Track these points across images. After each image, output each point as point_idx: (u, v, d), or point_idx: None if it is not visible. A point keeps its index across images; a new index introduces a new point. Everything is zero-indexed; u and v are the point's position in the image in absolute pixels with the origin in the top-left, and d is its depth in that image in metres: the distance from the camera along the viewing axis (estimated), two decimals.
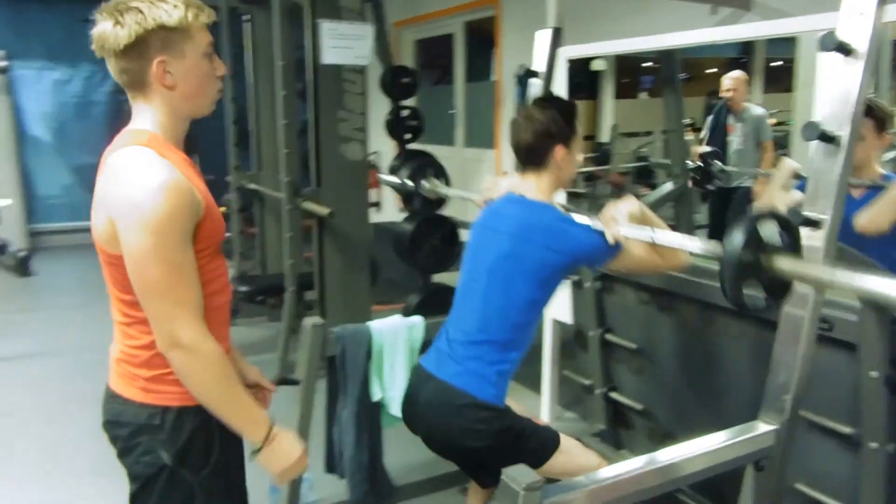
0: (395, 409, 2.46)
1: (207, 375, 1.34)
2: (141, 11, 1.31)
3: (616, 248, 1.88)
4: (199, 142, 7.89)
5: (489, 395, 1.91)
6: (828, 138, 1.63)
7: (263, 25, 4.80)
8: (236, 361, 1.71)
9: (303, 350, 2.35)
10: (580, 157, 2.06)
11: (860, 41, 1.62)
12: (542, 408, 3.51)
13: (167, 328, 1.31)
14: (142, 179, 1.29)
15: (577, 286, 3.03)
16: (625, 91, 6.56)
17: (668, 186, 3.42)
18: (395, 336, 2.46)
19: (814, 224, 1.66)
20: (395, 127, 3.97)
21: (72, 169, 8.08)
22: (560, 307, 3.26)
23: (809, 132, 1.64)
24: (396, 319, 2.51)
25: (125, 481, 1.49)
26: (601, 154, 5.91)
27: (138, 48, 1.32)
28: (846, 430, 2.08)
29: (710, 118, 4.56)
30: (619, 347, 2.93)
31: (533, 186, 2.01)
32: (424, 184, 3.22)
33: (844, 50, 1.62)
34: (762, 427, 1.72)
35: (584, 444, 2.15)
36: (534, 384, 3.56)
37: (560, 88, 3.15)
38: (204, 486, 1.44)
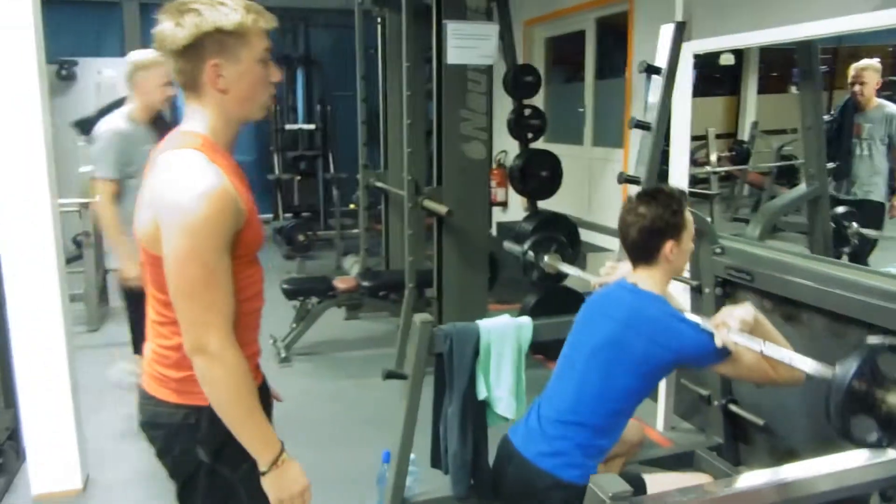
0: (501, 408, 2.45)
1: (226, 385, 1.31)
2: (200, 13, 1.30)
3: (724, 352, 1.83)
4: (335, 140, 8.27)
5: (573, 476, 1.89)
6: None
7: (395, 27, 4.91)
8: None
9: (411, 345, 2.39)
10: (692, 245, 2.02)
11: None
12: (658, 416, 3.38)
13: (195, 332, 1.30)
14: (189, 183, 1.28)
15: (696, 291, 2.89)
16: (773, 85, 6.15)
17: (800, 189, 3.16)
18: (502, 335, 2.44)
19: None
20: (517, 126, 3.96)
21: None
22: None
23: None
24: (505, 319, 2.49)
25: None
26: (739, 153, 5.59)
27: (194, 49, 1.32)
28: None
29: (833, 116, 3.90)
30: None
31: (644, 278, 1.99)
32: (546, 258, 3.21)
33: None
34: (893, 454, 1.56)
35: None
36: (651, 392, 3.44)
37: (685, 85, 3.02)
38: (244, 481, 1.43)
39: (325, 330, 4.49)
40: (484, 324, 2.46)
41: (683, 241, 1.97)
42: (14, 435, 2.80)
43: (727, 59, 3.33)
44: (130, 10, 8.01)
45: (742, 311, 1.81)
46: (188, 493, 1.48)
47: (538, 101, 6.08)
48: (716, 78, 5.85)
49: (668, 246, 1.94)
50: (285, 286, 4.29)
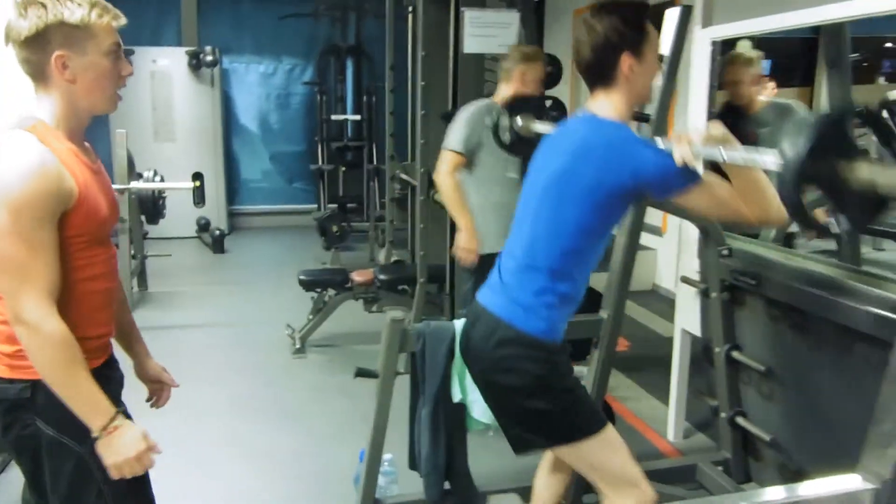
0: (477, 412, 2.36)
1: (46, 354, 1.35)
2: (44, 6, 1.37)
3: (690, 178, 1.60)
4: (380, 131, 8.25)
5: (535, 329, 1.72)
6: None
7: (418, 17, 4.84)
8: (138, 354, 1.78)
9: (382, 343, 2.31)
10: (656, 65, 1.77)
11: None
12: (668, 423, 3.21)
13: (13, 303, 1.35)
14: (12, 161, 1.35)
15: (704, 295, 2.71)
16: (858, 76, 5.75)
17: None
18: None
19: None
20: (537, 116, 3.80)
21: (271, 156, 8.76)
22: (690, 317, 2.95)
23: None
24: None
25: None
26: None
27: (38, 41, 1.38)
28: None
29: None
30: (747, 368, 2.57)
31: (602, 105, 1.76)
32: (518, 121, 2.78)
33: None
34: (859, 483, 1.40)
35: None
36: (666, 396, 3.27)
37: (701, 75, 2.83)
38: (93, 454, 1.42)
39: (342, 322, 4.46)
40: (461, 323, 2.36)
41: (646, 58, 1.73)
42: None
43: (745, 48, 3.04)
44: (189, 3, 8.18)
45: (712, 128, 1.61)
46: (37, 476, 1.49)
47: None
48: (788, 66, 5.52)
49: (626, 62, 1.70)
50: (302, 277, 4.28)
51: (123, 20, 1.48)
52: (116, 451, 1.41)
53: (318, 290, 4.30)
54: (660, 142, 1.66)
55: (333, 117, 8.06)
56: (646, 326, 5.00)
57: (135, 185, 5.01)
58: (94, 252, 1.49)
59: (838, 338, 2.16)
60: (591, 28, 1.70)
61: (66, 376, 1.38)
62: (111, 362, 1.62)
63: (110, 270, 1.56)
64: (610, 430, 1.81)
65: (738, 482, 2.69)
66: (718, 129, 1.59)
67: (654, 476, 2.65)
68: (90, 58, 1.41)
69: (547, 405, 1.74)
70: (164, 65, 7.72)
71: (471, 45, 3.63)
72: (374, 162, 7.77)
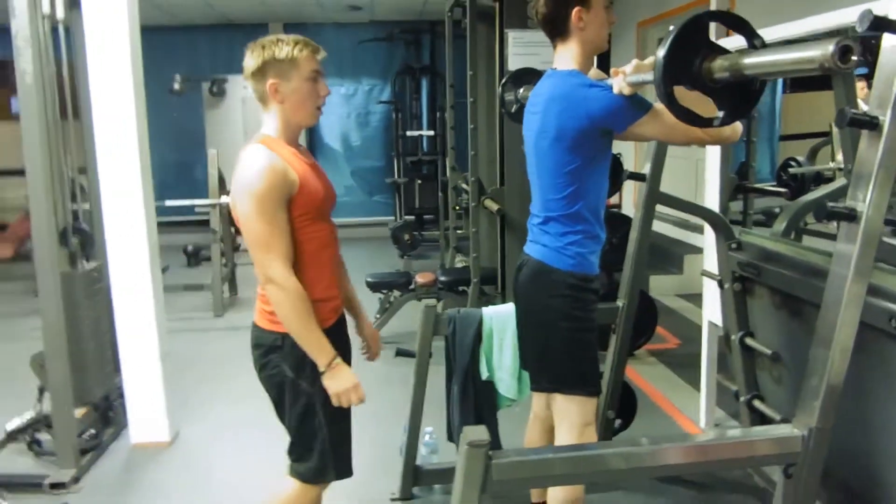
0: (503, 388, 2.66)
1: (288, 305, 1.78)
2: (263, 47, 1.84)
3: (641, 108, 1.80)
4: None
5: (567, 265, 2.00)
6: (864, 124, 1.50)
7: (480, 37, 5.19)
8: (358, 315, 2.24)
9: (419, 327, 2.66)
10: (605, 16, 1.98)
11: None
12: (700, 409, 3.39)
13: (262, 268, 1.80)
14: (251, 164, 1.79)
15: (719, 286, 2.91)
16: None
17: (835, 184, 2.96)
18: (505, 322, 2.64)
19: (850, 217, 1.54)
20: None
21: (352, 171, 9.32)
22: (715, 309, 3.15)
23: (840, 118, 1.53)
24: (508, 307, 2.68)
25: None
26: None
27: (260, 74, 1.84)
28: None
29: None
30: (761, 353, 2.76)
31: (563, 57, 2.00)
32: (521, 91, 2.88)
33: (891, 27, 1.48)
34: (790, 431, 1.63)
35: None
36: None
37: None
38: (319, 394, 1.87)
39: (407, 321, 4.83)
40: (487, 310, 2.68)
41: (593, 7, 1.94)
42: (123, 395, 3.37)
43: None
44: (276, 29, 8.86)
45: (646, 60, 1.77)
46: (280, 408, 1.96)
47: None
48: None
49: (576, 13, 1.92)
50: (368, 279, 4.69)
51: (323, 53, 1.92)
52: (337, 383, 1.84)
53: (385, 291, 4.69)
54: (609, 81, 1.87)
55: (409, 133, 8.52)
56: (698, 325, 5.13)
57: (224, 199, 5.55)
58: (318, 226, 1.91)
59: None
60: None
61: (301, 323, 1.80)
62: (341, 324, 2.04)
63: (332, 241, 2.00)
64: (595, 403, 2.10)
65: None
66: (649, 59, 1.77)
67: None
68: (295, 83, 1.84)
69: (565, 341, 2.03)
70: None
71: (515, 63, 3.95)
72: (447, 175, 8.17)
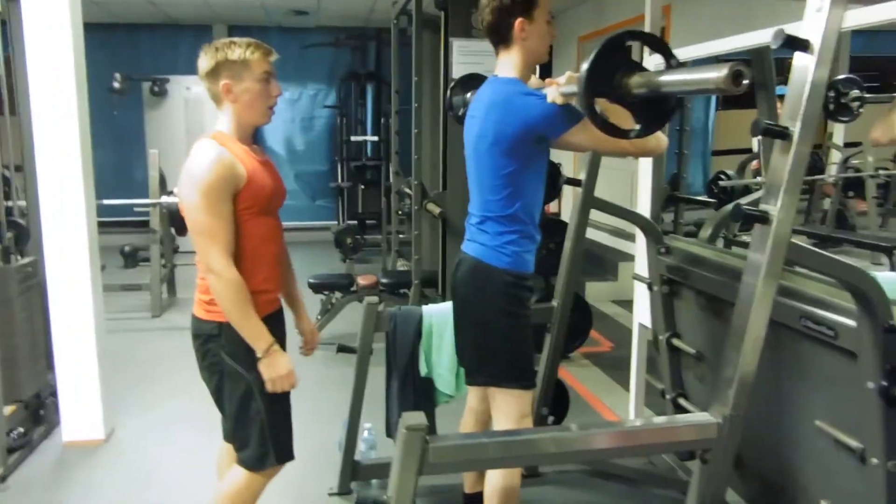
0: (441, 384, 2.73)
1: (228, 294, 1.86)
2: (217, 49, 1.93)
3: (572, 118, 1.90)
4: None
5: (503, 263, 2.08)
6: (776, 133, 1.63)
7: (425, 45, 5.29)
8: (298, 311, 2.31)
9: (361, 324, 2.72)
10: (547, 28, 2.07)
11: (816, 37, 1.61)
12: (629, 408, 3.53)
13: (204, 258, 1.87)
14: (200, 156, 1.87)
15: (648, 289, 3.05)
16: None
17: (756, 195, 3.16)
18: (444, 319, 2.71)
19: (763, 220, 1.66)
20: None
21: (296, 175, 9.28)
22: (645, 311, 3.29)
23: (755, 128, 1.66)
24: (448, 305, 2.76)
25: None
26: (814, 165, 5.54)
27: (213, 74, 1.92)
28: (855, 444, 1.96)
29: None
30: (686, 353, 2.91)
31: (504, 65, 2.09)
32: (468, 96, 2.97)
33: (800, 45, 1.62)
34: (707, 418, 1.74)
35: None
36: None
37: None
38: (256, 381, 1.94)
39: (348, 322, 4.87)
40: (427, 308, 2.76)
41: (535, 20, 2.03)
42: (55, 392, 3.31)
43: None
44: (220, 31, 8.78)
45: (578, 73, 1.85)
46: (220, 396, 2.03)
47: None
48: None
49: (518, 23, 2.01)
50: (311, 280, 4.71)
51: (275, 55, 1.98)
52: (273, 369, 1.92)
53: (327, 292, 4.72)
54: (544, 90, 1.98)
55: (353, 138, 8.55)
56: (631, 330, 5.31)
57: (164, 199, 5.50)
58: (263, 220, 1.98)
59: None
60: None
61: (239, 311, 1.88)
62: (277, 316, 2.09)
63: (276, 238, 2.06)
64: (531, 396, 2.19)
65: (681, 459, 3.02)
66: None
67: None
68: (246, 83, 1.92)
69: (502, 336, 2.12)
70: (197, 92, 8.25)
71: (459, 71, 4.05)
72: (391, 179, 8.24)
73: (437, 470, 1.56)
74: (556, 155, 2.22)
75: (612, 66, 1.64)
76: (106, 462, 3.15)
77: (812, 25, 1.60)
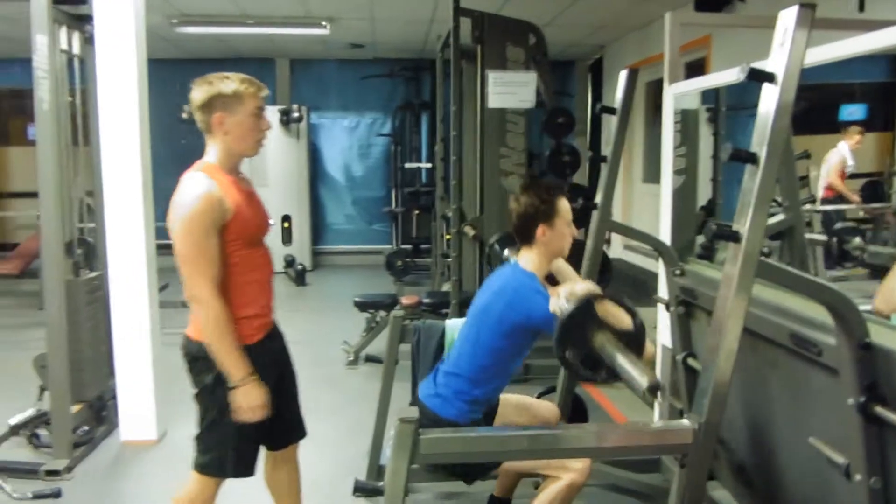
0: None
1: (210, 323, 1.95)
2: (210, 83, 2.02)
3: None
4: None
5: (449, 414, 2.29)
6: (745, 158, 1.77)
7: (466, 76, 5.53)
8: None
9: (388, 334, 2.93)
10: (566, 232, 2.33)
11: (780, 70, 1.74)
12: (655, 415, 3.60)
13: (189, 286, 1.96)
14: (189, 189, 1.97)
15: (666, 310, 3.16)
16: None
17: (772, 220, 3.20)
18: None
19: (735, 238, 1.79)
20: (554, 162, 4.38)
21: (353, 201, 9.66)
22: (667, 332, 3.38)
23: (725, 153, 1.80)
24: None
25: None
26: (872, 190, 5.51)
27: (206, 107, 2.02)
28: (841, 460, 2.03)
29: None
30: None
31: (525, 258, 2.34)
32: (506, 252, 3.18)
33: (766, 77, 1.76)
34: (684, 424, 1.86)
35: None
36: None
37: (667, 126, 3.34)
38: (229, 402, 2.01)
39: None
40: (450, 322, 2.94)
41: (556, 226, 2.29)
42: (115, 396, 3.63)
43: (691, 104, 3.54)
44: (282, 64, 9.28)
45: (579, 287, 2.03)
46: (201, 398, 2.12)
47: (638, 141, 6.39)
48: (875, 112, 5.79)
49: (541, 229, 2.27)
50: (356, 299, 4.96)
51: (266, 91, 2.09)
52: (244, 399, 2.00)
53: (371, 311, 4.96)
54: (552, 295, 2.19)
55: (407, 165, 8.88)
56: None
57: None
58: (249, 252, 2.07)
59: (750, 341, 2.58)
60: (517, 201, 2.33)
61: (219, 340, 1.96)
62: (272, 335, 2.21)
63: (263, 264, 2.15)
64: None
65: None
66: (584, 287, 2.04)
67: (622, 464, 3.13)
68: (238, 117, 2.01)
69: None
70: None
71: (494, 102, 4.28)
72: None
73: (427, 459, 1.74)
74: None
75: (584, 324, 1.86)
76: (158, 460, 3.44)
77: (776, 59, 1.73)
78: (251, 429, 2.07)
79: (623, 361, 1.76)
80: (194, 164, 2.07)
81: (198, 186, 1.96)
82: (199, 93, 2.02)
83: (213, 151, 2.06)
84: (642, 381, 1.64)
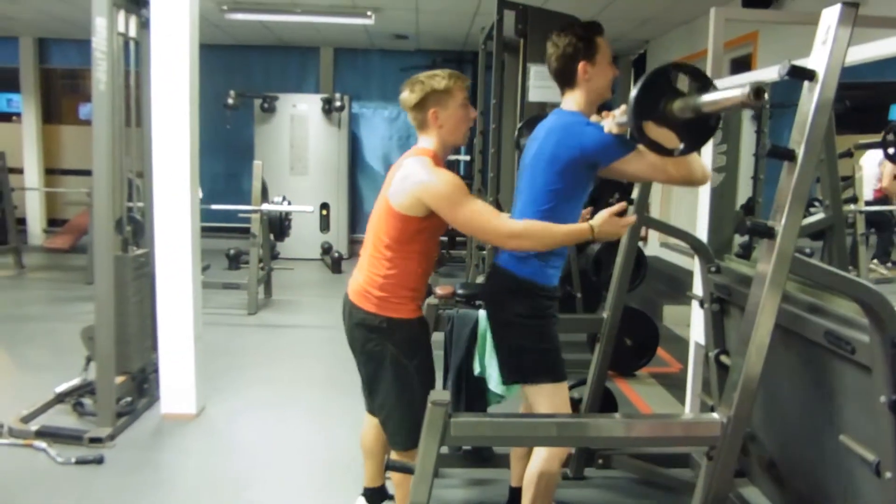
0: (492, 384, 2.93)
1: (534, 240, 2.09)
2: (422, 82, 2.19)
3: (626, 147, 2.08)
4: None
5: (526, 273, 2.27)
6: (783, 154, 1.78)
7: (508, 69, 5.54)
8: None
9: None
10: (609, 69, 2.28)
11: (821, 67, 1.75)
12: (686, 407, 3.61)
13: (497, 236, 2.11)
14: (441, 175, 2.12)
15: (700, 306, 3.16)
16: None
17: (812, 218, 3.15)
18: None
19: (769, 234, 1.80)
20: None
21: None
22: (701, 329, 3.38)
23: (762, 150, 1.82)
24: None
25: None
26: None
27: (421, 104, 2.19)
28: (872, 457, 2.03)
29: None
30: None
31: (569, 101, 2.29)
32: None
33: (806, 75, 1.77)
34: (713, 417, 1.88)
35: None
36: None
37: None
38: (418, 369, 2.26)
39: None
40: (483, 313, 2.98)
41: (598, 63, 2.23)
42: (157, 370, 3.76)
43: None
44: (326, 53, 9.38)
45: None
46: (376, 381, 2.31)
47: None
48: None
49: (582, 67, 2.21)
50: None
51: (468, 81, 2.26)
52: (607, 229, 2.13)
53: None
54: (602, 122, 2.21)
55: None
56: None
57: (265, 206, 5.98)
58: (433, 244, 2.30)
59: (790, 341, 2.57)
60: (554, 44, 2.28)
61: (551, 238, 2.11)
62: (424, 320, 2.42)
63: (432, 260, 2.37)
64: (565, 386, 2.37)
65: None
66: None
67: (653, 459, 3.14)
68: (450, 110, 2.20)
69: (526, 340, 2.31)
70: (302, 109, 8.85)
71: (535, 95, 4.29)
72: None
73: (456, 442, 1.79)
74: None
75: (657, 94, 1.89)
76: (196, 432, 3.56)
77: (818, 57, 1.74)
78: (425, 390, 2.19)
79: (709, 95, 1.78)
80: (413, 150, 2.25)
81: (442, 170, 2.14)
82: (412, 93, 2.19)
83: (429, 144, 2.23)
84: (743, 88, 1.60)
